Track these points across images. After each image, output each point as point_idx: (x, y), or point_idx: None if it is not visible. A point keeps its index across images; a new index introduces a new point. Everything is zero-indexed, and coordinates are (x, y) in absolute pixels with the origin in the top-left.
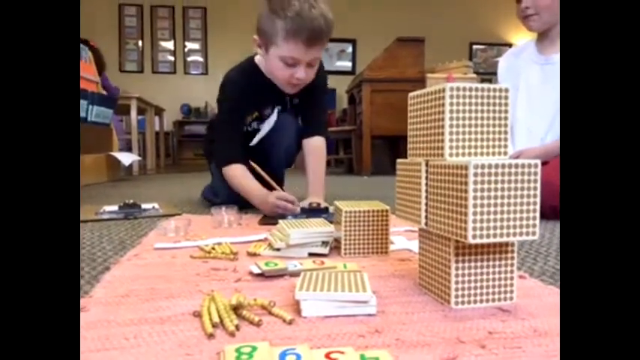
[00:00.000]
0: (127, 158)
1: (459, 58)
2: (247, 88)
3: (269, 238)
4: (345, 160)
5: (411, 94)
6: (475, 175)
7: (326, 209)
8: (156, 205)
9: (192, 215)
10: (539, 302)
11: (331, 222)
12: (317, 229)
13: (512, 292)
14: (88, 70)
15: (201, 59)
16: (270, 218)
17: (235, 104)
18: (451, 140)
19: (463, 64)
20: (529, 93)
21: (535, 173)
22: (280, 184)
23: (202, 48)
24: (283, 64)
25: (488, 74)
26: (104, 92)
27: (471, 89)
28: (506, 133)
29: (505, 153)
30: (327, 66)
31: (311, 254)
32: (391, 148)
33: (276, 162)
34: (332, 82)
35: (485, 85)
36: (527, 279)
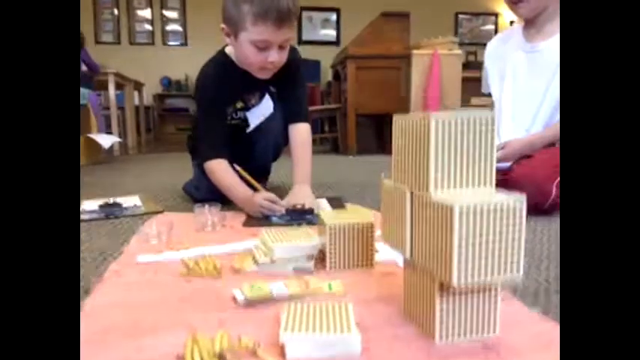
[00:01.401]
0: (106, 140)
1: (445, 32)
2: (223, 79)
3: (253, 251)
4: (330, 139)
5: (395, 118)
6: (460, 217)
7: (310, 210)
8: (137, 202)
9: (174, 214)
10: (524, 333)
11: (315, 224)
12: (301, 243)
13: (495, 324)
14: None
15: (180, 29)
16: (254, 219)
17: (213, 98)
18: (436, 172)
19: (449, 40)
20: (515, 82)
21: (520, 215)
22: (266, 175)
23: (181, 17)
24: (255, 48)
25: (473, 44)
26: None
27: (456, 122)
28: (492, 162)
29: (491, 183)
30: (311, 36)
31: (296, 269)
32: (377, 126)
33: (264, 154)
34: (316, 53)
35: (471, 115)
36: (510, 300)
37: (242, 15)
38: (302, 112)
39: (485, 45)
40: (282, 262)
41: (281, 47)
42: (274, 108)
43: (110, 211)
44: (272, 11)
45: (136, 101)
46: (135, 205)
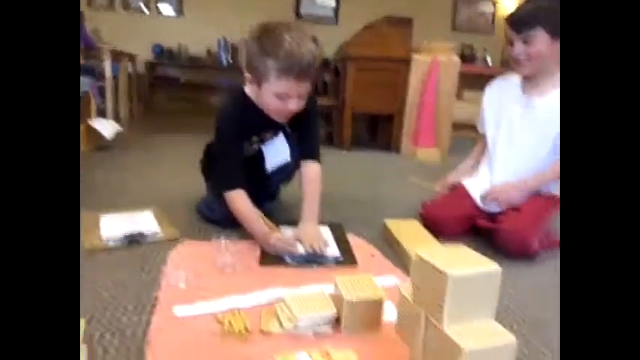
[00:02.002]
0: (108, 129)
1: (443, 17)
2: (243, 117)
3: (278, 312)
4: (325, 132)
5: (416, 258)
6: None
7: (321, 255)
8: (154, 224)
9: (193, 243)
10: None
11: (325, 264)
12: (322, 312)
13: None
14: None
15: None
16: (269, 256)
17: (232, 133)
18: (449, 310)
19: (447, 47)
20: (509, 132)
21: (513, 353)
22: (276, 196)
23: None
24: (276, 98)
25: (470, 32)
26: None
27: (469, 278)
28: (493, 304)
29: (491, 316)
30: (309, 10)
31: (316, 334)
32: (370, 122)
33: (277, 183)
34: (313, 30)
35: (482, 272)
36: None
37: (266, 69)
38: (314, 151)
39: (480, 34)
40: (305, 326)
41: (300, 97)
42: (290, 154)
43: (133, 238)
44: (295, 67)
45: (129, 69)
46: (153, 232)
